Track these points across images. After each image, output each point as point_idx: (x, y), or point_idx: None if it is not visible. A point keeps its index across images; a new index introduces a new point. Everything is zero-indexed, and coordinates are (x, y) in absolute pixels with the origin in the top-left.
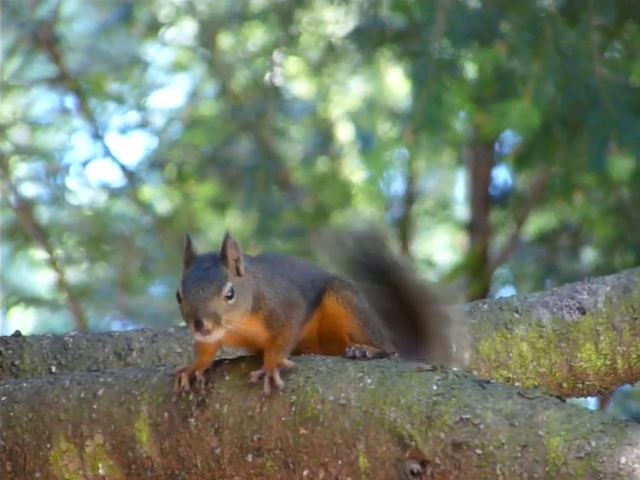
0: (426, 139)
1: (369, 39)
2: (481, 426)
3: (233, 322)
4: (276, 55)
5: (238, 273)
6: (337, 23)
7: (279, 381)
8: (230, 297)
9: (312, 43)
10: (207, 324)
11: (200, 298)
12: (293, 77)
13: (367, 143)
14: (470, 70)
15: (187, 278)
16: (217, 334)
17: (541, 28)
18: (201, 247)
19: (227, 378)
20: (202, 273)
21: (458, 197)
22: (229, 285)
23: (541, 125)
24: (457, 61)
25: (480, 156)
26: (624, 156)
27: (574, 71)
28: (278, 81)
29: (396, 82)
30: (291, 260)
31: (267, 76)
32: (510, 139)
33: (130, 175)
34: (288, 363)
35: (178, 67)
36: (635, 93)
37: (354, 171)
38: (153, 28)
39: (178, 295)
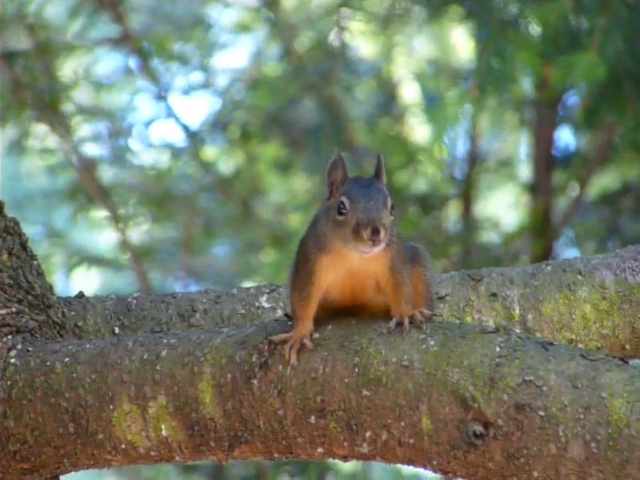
0: (491, 94)
1: None
2: (544, 388)
3: (386, 241)
4: (341, 13)
5: None
6: None
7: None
8: (391, 212)
9: (377, 1)
10: (382, 233)
11: (374, 207)
12: (358, 36)
13: (432, 103)
14: (535, 26)
15: (353, 190)
16: (381, 247)
17: None
18: (265, 209)
19: None
20: (368, 186)
21: (521, 158)
22: (390, 200)
23: (608, 79)
24: (522, 16)
25: (543, 117)
26: None
27: None
28: (343, 39)
29: (461, 44)
30: None
31: (332, 35)
32: (573, 100)
33: (193, 135)
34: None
35: (241, 28)
36: None
37: (418, 131)
38: None
39: (340, 207)
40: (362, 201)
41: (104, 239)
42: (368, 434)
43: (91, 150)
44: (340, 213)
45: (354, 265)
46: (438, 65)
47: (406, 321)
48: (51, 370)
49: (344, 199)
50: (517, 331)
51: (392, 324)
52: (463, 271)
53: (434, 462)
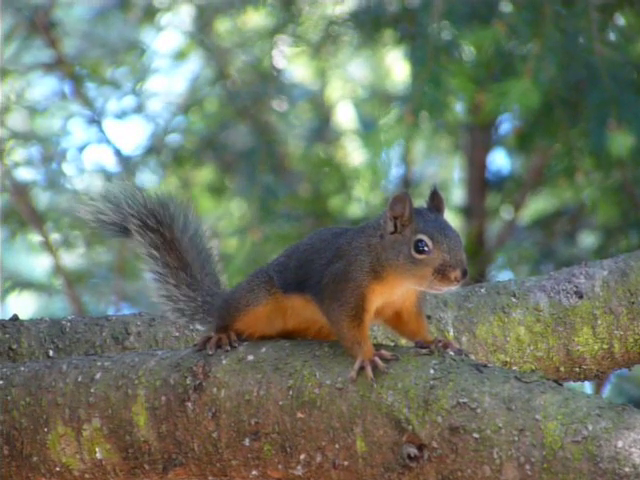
0: (425, 119)
1: (367, 22)
2: (478, 410)
3: None
4: (276, 38)
5: None
6: (337, 4)
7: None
8: None
9: (312, 25)
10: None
11: (459, 248)
12: (293, 60)
13: (367, 128)
14: (469, 51)
15: (431, 228)
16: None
17: (540, 7)
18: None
19: (224, 362)
20: (444, 225)
21: (455, 182)
22: None
23: (542, 105)
24: (456, 42)
25: (476, 141)
26: (624, 133)
27: (574, 50)
28: (278, 64)
29: (395, 67)
30: None
31: (268, 59)
32: (507, 123)
33: (126, 160)
34: None
35: (176, 53)
36: (634, 71)
37: (353, 156)
38: (149, 13)
39: (419, 245)
40: (445, 241)
41: (39, 263)
42: (302, 456)
43: (24, 175)
44: (419, 251)
45: (395, 296)
46: (372, 89)
47: (440, 349)
48: None
49: (424, 237)
50: (451, 353)
51: (424, 352)
52: None
53: None
